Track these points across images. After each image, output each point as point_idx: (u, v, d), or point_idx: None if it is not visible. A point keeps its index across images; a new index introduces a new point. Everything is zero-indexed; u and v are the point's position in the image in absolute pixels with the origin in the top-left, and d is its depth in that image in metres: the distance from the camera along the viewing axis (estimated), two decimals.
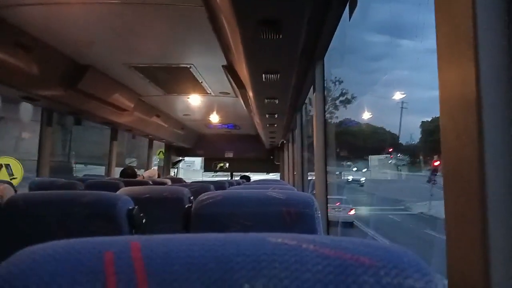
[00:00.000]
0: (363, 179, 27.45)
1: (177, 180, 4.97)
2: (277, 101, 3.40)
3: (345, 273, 0.32)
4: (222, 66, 3.18)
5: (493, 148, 0.59)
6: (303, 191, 4.40)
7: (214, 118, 6.09)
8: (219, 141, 8.32)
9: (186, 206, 1.12)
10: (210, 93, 4.49)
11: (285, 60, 2.30)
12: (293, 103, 3.89)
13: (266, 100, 3.36)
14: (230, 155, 8.58)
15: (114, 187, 2.68)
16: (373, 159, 30.79)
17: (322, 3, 1.88)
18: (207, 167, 9.25)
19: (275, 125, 5.12)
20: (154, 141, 7.27)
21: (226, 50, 2.69)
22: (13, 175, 5.00)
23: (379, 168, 29.26)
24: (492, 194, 0.57)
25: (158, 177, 5.03)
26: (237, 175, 8.71)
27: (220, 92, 4.47)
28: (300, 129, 4.57)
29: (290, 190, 1.53)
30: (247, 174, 7.72)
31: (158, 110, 5.49)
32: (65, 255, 0.33)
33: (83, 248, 0.34)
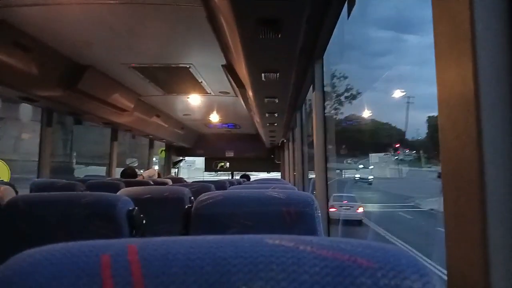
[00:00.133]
0: (371, 177, 26.89)
1: (177, 180, 4.98)
2: (276, 100, 3.40)
3: (343, 275, 0.32)
4: (222, 65, 3.18)
5: (492, 148, 0.58)
6: (303, 190, 4.40)
7: (214, 117, 6.09)
8: (220, 140, 8.31)
9: (186, 207, 1.12)
10: (210, 93, 4.49)
11: (285, 59, 2.30)
12: (292, 102, 3.89)
13: (266, 99, 3.36)
14: (230, 154, 8.57)
15: (114, 187, 2.68)
16: (373, 157, 30.68)
17: (321, 2, 1.88)
18: (208, 167, 9.25)
19: (275, 124, 5.12)
20: (156, 141, 7.28)
21: (225, 49, 2.69)
22: None
23: (385, 165, 29.00)
24: (491, 194, 0.57)
25: (158, 177, 5.03)
26: (238, 174, 8.73)
27: (220, 92, 4.47)
28: (300, 128, 4.57)
29: (290, 189, 1.53)
30: (247, 173, 7.73)
31: (158, 110, 5.49)
32: (62, 259, 0.33)
33: (80, 251, 0.34)
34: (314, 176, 2.70)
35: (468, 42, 0.60)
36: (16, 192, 1.93)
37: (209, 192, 1.13)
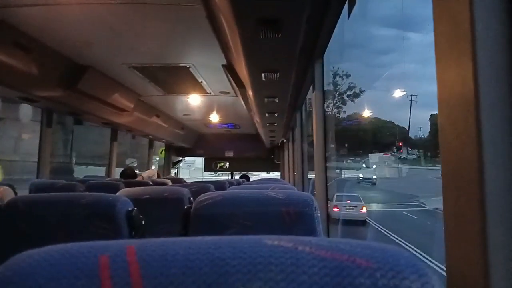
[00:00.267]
0: (375, 177, 26.51)
1: (177, 181, 4.98)
2: (276, 100, 3.40)
3: (341, 275, 0.32)
4: (222, 65, 3.18)
5: (492, 148, 0.58)
6: (303, 190, 4.39)
7: (214, 117, 6.09)
8: (219, 140, 8.31)
9: (186, 207, 1.12)
10: (210, 93, 4.49)
11: (285, 59, 2.30)
12: (292, 102, 3.89)
13: (265, 99, 3.36)
14: (230, 154, 8.57)
15: (114, 188, 2.68)
16: (373, 156, 30.52)
17: (321, 2, 1.88)
18: (208, 167, 9.25)
19: (275, 124, 5.12)
20: (156, 141, 7.27)
21: (225, 49, 2.69)
22: None
23: (387, 164, 28.80)
24: (491, 194, 0.57)
25: (158, 177, 5.03)
26: (238, 175, 8.72)
27: (220, 92, 4.47)
28: (300, 128, 4.57)
29: (290, 189, 1.53)
30: (247, 173, 7.73)
31: (158, 110, 5.49)
32: (61, 260, 0.33)
33: (79, 252, 0.34)
34: (313, 176, 2.70)
35: (468, 42, 0.60)
36: (15, 193, 1.93)
37: (208, 193, 1.13)
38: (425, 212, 14.90)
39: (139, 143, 10.12)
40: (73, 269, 0.32)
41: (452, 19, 0.66)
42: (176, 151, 8.54)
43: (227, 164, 9.00)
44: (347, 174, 28.32)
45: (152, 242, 0.36)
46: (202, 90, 4.36)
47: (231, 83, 3.57)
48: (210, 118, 6.20)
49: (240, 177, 7.60)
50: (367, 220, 13.92)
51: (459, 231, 0.64)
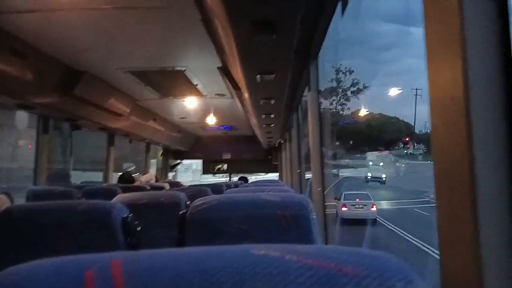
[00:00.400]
0: (384, 175, 26.17)
1: (175, 184, 4.97)
2: (273, 101, 3.40)
3: (329, 284, 0.32)
4: (217, 67, 3.18)
5: (483, 147, 0.58)
6: (301, 191, 4.40)
7: (211, 120, 6.08)
8: (217, 143, 8.29)
9: (181, 212, 1.11)
10: (206, 95, 4.48)
11: (280, 60, 2.30)
12: (289, 102, 3.89)
13: (261, 101, 3.35)
14: (227, 156, 8.55)
15: (111, 193, 2.67)
16: (371, 155, 30.38)
17: (314, 2, 1.88)
18: (206, 170, 9.23)
19: (272, 125, 5.11)
20: (153, 145, 7.26)
21: (220, 51, 2.69)
22: None
23: (390, 162, 28.59)
24: (483, 194, 0.57)
25: (156, 181, 5.02)
26: (237, 176, 8.71)
27: (216, 94, 4.46)
28: (297, 128, 4.57)
29: (286, 192, 1.53)
30: (245, 175, 7.72)
31: (154, 114, 5.48)
32: (45, 275, 0.33)
33: (64, 268, 0.34)
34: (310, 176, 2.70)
35: (458, 43, 0.61)
36: (12, 201, 1.92)
37: (204, 197, 1.12)
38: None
39: (140, 147, 10.10)
40: (58, 286, 0.32)
41: (442, 19, 0.66)
42: (173, 154, 8.53)
43: (225, 166, 8.99)
44: (351, 173, 28.08)
45: (138, 254, 0.35)
46: (198, 93, 4.35)
47: (227, 85, 3.56)
48: (206, 121, 6.19)
49: (239, 179, 7.60)
50: (377, 219, 13.65)
51: (452, 231, 0.64)
